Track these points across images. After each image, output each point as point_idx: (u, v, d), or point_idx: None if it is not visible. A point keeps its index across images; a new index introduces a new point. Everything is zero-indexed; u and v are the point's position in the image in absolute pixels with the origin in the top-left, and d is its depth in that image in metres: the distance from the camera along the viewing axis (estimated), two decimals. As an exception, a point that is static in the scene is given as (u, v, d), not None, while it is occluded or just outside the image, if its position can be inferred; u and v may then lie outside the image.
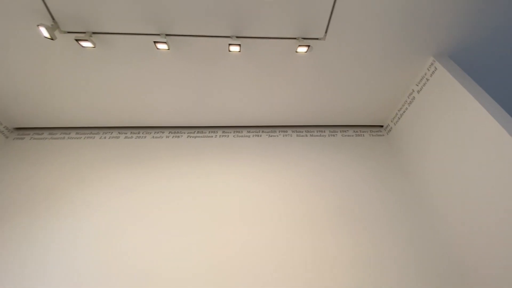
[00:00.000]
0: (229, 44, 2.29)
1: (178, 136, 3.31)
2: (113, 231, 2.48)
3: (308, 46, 2.40)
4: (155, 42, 2.21)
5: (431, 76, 2.75)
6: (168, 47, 2.29)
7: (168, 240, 2.44)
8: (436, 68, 2.68)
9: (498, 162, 2.01)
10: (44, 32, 2.10)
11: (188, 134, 3.35)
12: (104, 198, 2.70)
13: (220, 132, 3.42)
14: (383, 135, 3.51)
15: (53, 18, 2.19)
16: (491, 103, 2.18)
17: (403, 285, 2.24)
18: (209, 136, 3.36)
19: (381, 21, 2.40)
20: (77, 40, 2.17)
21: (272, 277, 2.25)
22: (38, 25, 2.09)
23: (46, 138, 3.18)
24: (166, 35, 2.33)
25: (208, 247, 2.41)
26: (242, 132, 3.44)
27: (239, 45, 2.30)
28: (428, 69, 2.79)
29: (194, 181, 2.87)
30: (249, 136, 3.40)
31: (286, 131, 3.49)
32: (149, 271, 2.26)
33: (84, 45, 2.22)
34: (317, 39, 2.50)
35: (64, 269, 2.25)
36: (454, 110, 2.44)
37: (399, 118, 3.27)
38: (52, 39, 2.14)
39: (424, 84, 2.84)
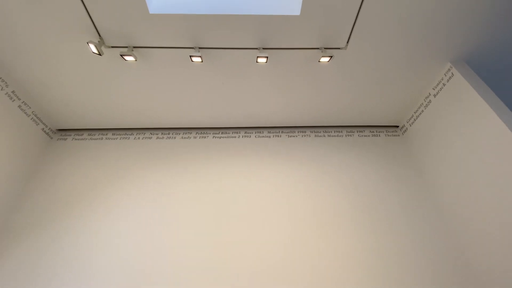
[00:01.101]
0: (257, 57, 2.48)
1: (205, 137, 3.57)
2: (149, 228, 2.79)
3: (331, 56, 2.56)
4: (191, 56, 2.43)
5: (447, 81, 2.87)
6: (202, 60, 2.51)
7: (196, 236, 2.74)
8: (453, 74, 2.80)
9: (510, 169, 2.17)
10: (93, 48, 2.35)
11: (214, 135, 3.60)
12: (141, 197, 3.00)
13: (242, 132, 3.65)
14: (399, 135, 3.65)
15: (99, 35, 2.43)
16: (505, 111, 2.31)
17: (416, 284, 2.46)
18: (232, 137, 3.60)
19: (400, 30, 2.52)
20: (121, 55, 2.41)
21: (289, 273, 2.53)
22: (88, 42, 2.34)
23: (86, 139, 3.50)
24: (200, 48, 2.54)
25: (236, 244, 2.70)
26: (263, 132, 3.66)
27: (267, 57, 2.49)
28: (445, 74, 2.90)
29: (220, 182, 3.13)
30: (269, 137, 3.62)
31: (305, 132, 3.69)
32: (179, 264, 2.57)
33: (127, 59, 2.46)
34: (339, 48, 2.65)
35: (106, 261, 2.59)
36: (469, 116, 2.58)
37: (415, 120, 3.40)
38: (100, 54, 2.39)
39: (441, 89, 2.96)
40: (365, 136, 3.65)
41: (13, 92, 2.92)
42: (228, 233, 2.76)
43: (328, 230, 2.78)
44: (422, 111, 3.26)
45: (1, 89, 2.81)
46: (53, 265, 2.55)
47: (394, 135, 3.66)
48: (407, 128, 3.57)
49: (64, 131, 3.59)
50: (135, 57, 2.47)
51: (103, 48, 2.48)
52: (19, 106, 3.01)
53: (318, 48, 2.63)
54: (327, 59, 2.59)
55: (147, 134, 3.56)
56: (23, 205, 2.92)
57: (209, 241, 2.71)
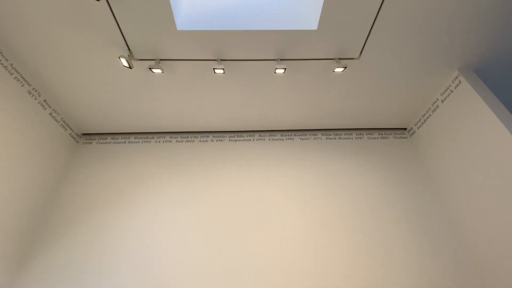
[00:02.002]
0: (276, 68, 2.64)
1: (221, 140, 3.76)
2: (170, 228, 3.01)
3: (345, 67, 2.71)
4: (214, 68, 2.60)
5: (455, 88, 3.02)
6: (224, 71, 2.68)
7: (213, 235, 2.96)
8: (460, 82, 2.94)
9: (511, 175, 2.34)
10: (124, 62, 2.53)
11: (230, 138, 3.79)
12: (162, 198, 3.21)
13: (257, 135, 3.83)
14: (406, 138, 3.81)
15: (129, 49, 2.61)
16: (510, 119, 2.46)
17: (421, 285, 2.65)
18: (247, 140, 3.79)
19: (411, 40, 2.66)
20: (150, 68, 2.59)
21: (304, 275, 2.75)
22: (119, 57, 2.52)
23: (109, 143, 3.70)
24: (222, 60, 2.71)
25: (249, 245, 2.92)
26: (276, 135, 3.84)
27: (285, 68, 2.65)
28: (453, 81, 3.04)
29: (235, 184, 3.33)
30: (282, 140, 3.80)
31: (316, 134, 3.86)
32: (197, 262, 2.80)
33: (154, 72, 2.64)
34: (352, 58, 2.80)
35: (134, 259, 2.82)
36: (474, 123, 2.73)
37: (422, 123, 3.56)
38: (130, 67, 2.56)
39: (448, 95, 3.11)
40: (374, 138, 3.81)
41: (44, 100, 3.12)
42: (243, 233, 2.96)
43: (339, 229, 2.98)
44: (430, 115, 3.42)
45: (35, 99, 3.01)
46: (83, 264, 2.77)
47: (402, 137, 3.82)
48: (414, 131, 3.73)
49: (89, 135, 3.80)
50: (162, 69, 2.64)
51: (132, 61, 2.65)
52: (50, 114, 3.22)
53: (332, 59, 2.78)
54: (341, 69, 2.75)
55: (167, 137, 3.76)
56: (56, 205, 3.15)
57: (224, 240, 2.91)
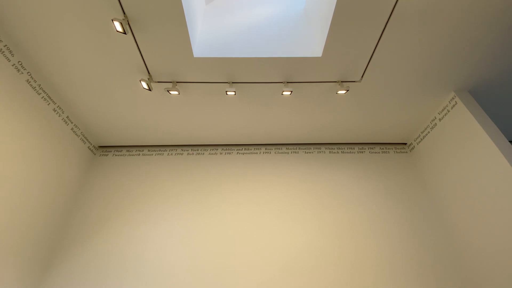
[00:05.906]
0: (283, 91, 2.85)
1: (230, 153, 3.97)
2: (184, 234, 3.21)
3: (347, 90, 2.92)
4: (226, 91, 2.81)
5: (452, 108, 3.20)
6: (235, 93, 2.89)
7: (224, 239, 3.15)
8: (456, 102, 3.13)
9: (501, 193, 2.51)
10: (144, 85, 2.76)
11: (238, 151, 3.99)
12: (174, 208, 3.42)
13: (263, 149, 4.04)
14: (406, 152, 3.99)
15: (149, 73, 2.84)
16: (503, 141, 2.64)
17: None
18: (254, 153, 3.99)
19: (410, 65, 2.86)
20: (168, 91, 2.81)
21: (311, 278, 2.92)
22: (140, 80, 2.75)
23: (125, 155, 3.93)
24: (233, 82, 2.93)
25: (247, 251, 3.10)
26: (281, 149, 4.04)
27: (291, 91, 2.86)
28: (449, 101, 3.23)
29: (244, 194, 3.54)
30: (288, 153, 4.00)
31: (320, 148, 4.05)
32: (209, 265, 2.99)
33: (171, 93, 2.86)
34: (354, 81, 3.01)
35: (150, 264, 3.01)
36: (469, 142, 2.91)
37: (421, 140, 3.74)
38: (149, 90, 2.79)
39: (445, 114, 3.29)
40: (375, 152, 4.00)
41: (67, 117, 3.36)
42: (251, 238, 3.15)
43: (343, 239, 3.16)
44: (428, 132, 3.60)
45: (59, 116, 3.25)
46: (101, 272, 2.97)
47: (402, 152, 4.00)
48: (414, 146, 3.91)
49: (105, 147, 4.02)
50: (178, 91, 2.86)
51: (151, 84, 2.88)
52: (72, 129, 3.45)
53: (336, 82, 2.99)
54: (343, 91, 2.95)
55: (179, 150, 3.98)
56: (74, 214, 3.37)
57: (233, 245, 3.11)
